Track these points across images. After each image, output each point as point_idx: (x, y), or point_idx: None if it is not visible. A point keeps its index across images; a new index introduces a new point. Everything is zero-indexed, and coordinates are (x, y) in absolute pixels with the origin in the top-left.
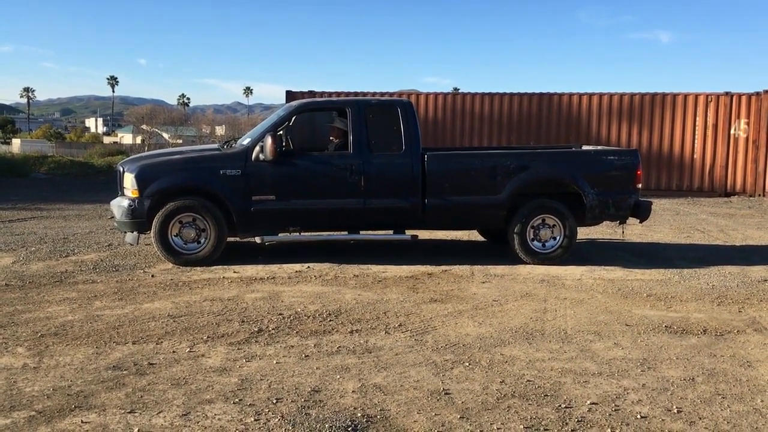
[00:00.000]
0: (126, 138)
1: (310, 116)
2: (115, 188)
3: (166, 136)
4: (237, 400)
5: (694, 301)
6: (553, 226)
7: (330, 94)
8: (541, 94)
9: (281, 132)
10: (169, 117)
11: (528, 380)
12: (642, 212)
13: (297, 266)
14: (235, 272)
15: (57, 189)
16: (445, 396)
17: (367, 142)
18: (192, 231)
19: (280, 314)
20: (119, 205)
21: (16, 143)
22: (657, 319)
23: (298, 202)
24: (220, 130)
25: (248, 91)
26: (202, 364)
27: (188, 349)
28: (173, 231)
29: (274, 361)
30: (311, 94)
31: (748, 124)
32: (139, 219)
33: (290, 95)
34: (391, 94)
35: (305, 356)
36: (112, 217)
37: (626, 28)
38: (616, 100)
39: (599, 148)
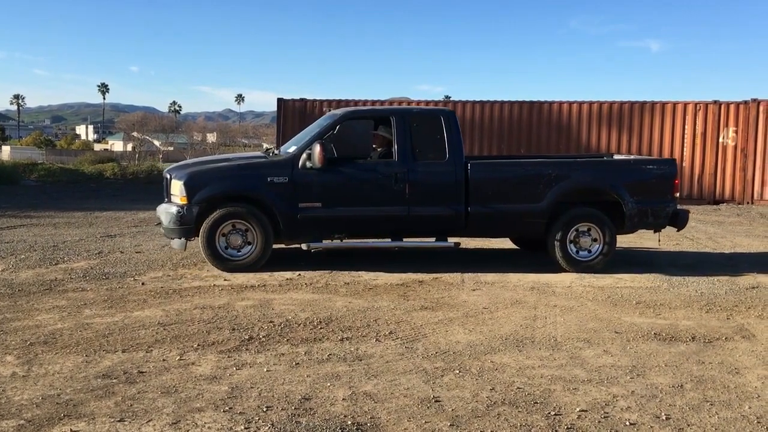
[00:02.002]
0: (117, 145)
1: (355, 124)
2: (105, 196)
3: (157, 143)
4: (227, 408)
5: (683, 309)
6: (593, 234)
7: (322, 102)
8: (531, 102)
9: (325, 140)
10: (160, 124)
11: (518, 387)
12: (680, 221)
13: (288, 274)
14: (225, 280)
15: (47, 196)
16: (435, 403)
17: (411, 151)
18: (239, 237)
19: (271, 322)
20: (167, 212)
21: (5, 150)
22: (646, 326)
23: (344, 209)
24: (211, 137)
25: (240, 98)
26: (192, 373)
27: (178, 358)
28: (220, 237)
29: (265, 369)
30: (303, 101)
31: (736, 132)
32: (187, 225)
33: (281, 103)
34: (383, 102)
35: (296, 364)
36: (159, 224)
37: (618, 37)
38: (606, 108)
39: (637, 157)
